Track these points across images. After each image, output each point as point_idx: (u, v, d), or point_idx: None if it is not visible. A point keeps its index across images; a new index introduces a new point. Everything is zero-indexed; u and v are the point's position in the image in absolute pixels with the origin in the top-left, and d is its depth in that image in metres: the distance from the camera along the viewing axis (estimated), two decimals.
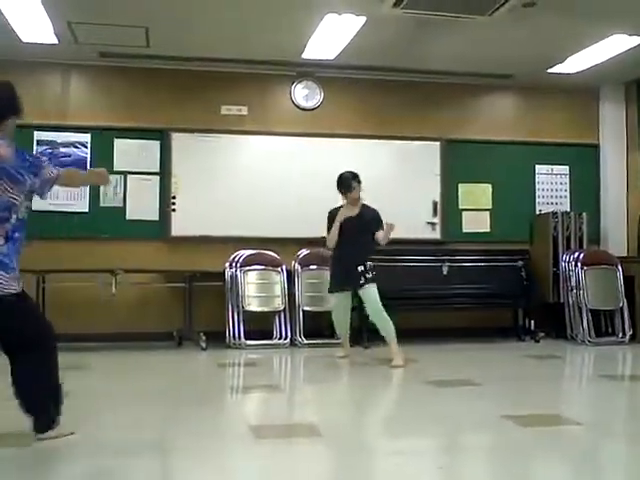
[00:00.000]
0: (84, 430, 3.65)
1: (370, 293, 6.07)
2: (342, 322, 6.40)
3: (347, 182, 6.26)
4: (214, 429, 3.96)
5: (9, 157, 3.28)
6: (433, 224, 8.23)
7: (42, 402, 3.49)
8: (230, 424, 4.19)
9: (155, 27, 6.62)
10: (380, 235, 6.14)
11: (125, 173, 7.67)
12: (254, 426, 3.93)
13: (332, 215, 6.29)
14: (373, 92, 8.24)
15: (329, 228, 6.27)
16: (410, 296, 7.20)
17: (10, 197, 3.31)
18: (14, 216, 3.34)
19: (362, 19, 6.35)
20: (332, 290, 6.36)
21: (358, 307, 6.50)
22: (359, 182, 6.27)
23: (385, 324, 6.04)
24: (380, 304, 6.04)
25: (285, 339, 7.24)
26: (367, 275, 6.07)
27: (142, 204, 7.67)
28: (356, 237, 6.15)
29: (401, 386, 5.57)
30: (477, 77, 8.27)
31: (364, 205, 6.32)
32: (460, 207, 8.36)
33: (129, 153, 7.69)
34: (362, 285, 6.07)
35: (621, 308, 7.65)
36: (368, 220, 6.21)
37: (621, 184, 8.63)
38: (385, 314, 6.04)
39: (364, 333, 7.04)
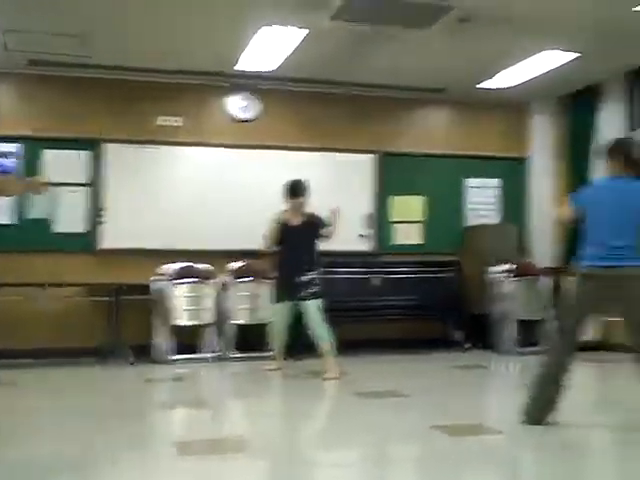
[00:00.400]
0: (4, 448, 3.55)
1: (313, 306, 6.05)
2: (280, 334, 6.35)
3: (296, 188, 6.25)
4: (139, 445, 3.89)
5: None
6: (366, 236, 8.27)
7: None
8: (155, 440, 4.12)
9: (91, 36, 6.49)
10: (325, 230, 6.16)
11: (54, 184, 7.48)
12: (179, 442, 3.87)
13: (276, 222, 6.29)
14: (311, 104, 8.26)
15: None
16: (342, 308, 7.19)
17: None
18: None
19: (303, 32, 6.35)
20: (275, 301, 6.35)
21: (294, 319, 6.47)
22: (307, 190, 6.29)
23: (324, 336, 6.03)
24: (321, 317, 6.04)
25: (214, 353, 7.15)
26: (311, 288, 6.06)
27: (70, 216, 7.48)
28: (298, 246, 6.13)
29: (332, 398, 5.57)
30: (412, 91, 8.37)
31: (308, 213, 6.30)
32: (392, 219, 8.43)
33: (58, 164, 7.52)
34: (304, 298, 6.06)
35: (547, 318, 7.80)
36: (311, 226, 6.20)
37: (549, 197, 8.82)
38: (325, 327, 6.04)
39: (297, 345, 7.01)
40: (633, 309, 4.18)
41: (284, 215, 6.26)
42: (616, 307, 4.40)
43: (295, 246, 6.14)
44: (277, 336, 6.41)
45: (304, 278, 6.04)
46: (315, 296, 6.06)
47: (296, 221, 6.24)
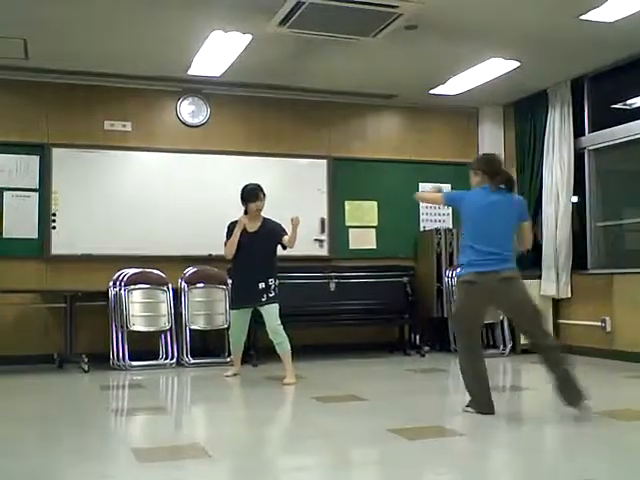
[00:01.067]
0: None
1: (271, 311, 6.03)
2: (238, 339, 6.30)
3: (253, 192, 6.18)
4: (95, 453, 3.82)
5: None
6: (320, 241, 8.29)
7: None
8: (112, 447, 4.05)
9: (34, 39, 6.40)
10: (286, 238, 6.11)
11: (2, 189, 7.36)
12: (137, 449, 3.81)
13: (232, 227, 6.18)
14: (260, 109, 8.26)
15: (228, 239, 6.18)
16: (298, 312, 7.19)
17: None
18: None
19: (248, 37, 6.36)
20: (233, 307, 6.29)
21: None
22: (264, 195, 6.21)
23: (283, 342, 6.01)
24: (280, 322, 6.02)
25: (172, 359, 7.10)
26: (269, 293, 6.03)
27: (20, 222, 7.36)
28: (256, 252, 6.07)
29: (290, 403, 5.55)
30: (363, 97, 8.44)
31: (265, 219, 6.25)
32: (347, 224, 8.47)
33: (6, 168, 7.38)
34: (263, 303, 6.04)
35: (501, 321, 7.93)
36: (269, 232, 6.15)
37: None
38: (284, 332, 6.02)
39: (253, 351, 7.01)
40: (518, 310, 4.60)
41: (241, 220, 6.17)
42: (502, 309, 4.99)
43: (253, 252, 6.07)
44: (235, 342, 6.36)
45: (262, 284, 6.00)
46: (273, 301, 6.04)
47: (254, 227, 6.18)
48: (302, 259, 7.92)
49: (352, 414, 4.83)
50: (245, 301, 6.13)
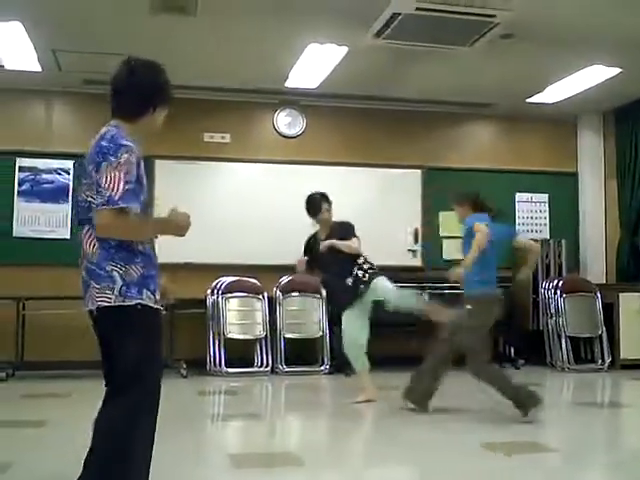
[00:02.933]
0: (59, 460, 3.62)
1: (380, 283, 5.60)
2: (354, 340, 5.63)
3: (315, 203, 5.86)
4: (194, 457, 3.94)
5: None
6: (414, 251, 8.27)
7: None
8: (210, 452, 4.17)
9: (139, 55, 6.64)
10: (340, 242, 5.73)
11: None
12: (234, 454, 3.92)
13: (308, 243, 5.95)
14: (355, 120, 8.32)
15: (305, 254, 5.91)
16: (390, 323, 7.16)
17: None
18: None
19: (344, 49, 6.43)
20: (340, 309, 5.78)
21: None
22: (329, 203, 5.88)
23: (411, 300, 5.67)
24: (396, 288, 5.65)
25: (266, 367, 7.21)
26: (364, 278, 5.61)
27: None
28: (332, 260, 5.72)
29: (379, 414, 5.50)
30: (458, 106, 8.38)
31: (334, 223, 5.88)
32: (441, 234, 8.42)
33: None
34: (363, 291, 5.59)
35: (600, 335, 7.72)
36: (336, 236, 5.76)
37: (599, 212, 8.73)
38: (406, 294, 5.71)
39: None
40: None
41: (317, 232, 5.95)
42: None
43: (328, 262, 5.77)
44: (350, 344, 5.65)
45: (349, 281, 5.66)
46: (376, 276, 5.67)
47: (323, 234, 5.87)
48: (395, 269, 7.90)
49: (444, 427, 4.81)
50: (348, 301, 5.68)
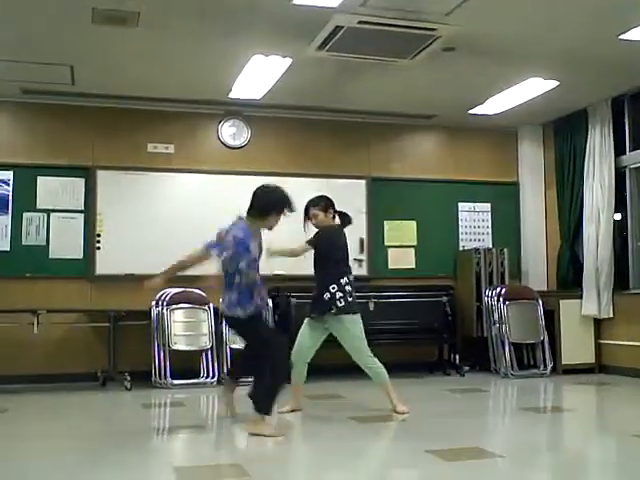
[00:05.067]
0: None
1: (342, 326, 5.44)
2: (298, 352, 5.49)
3: (304, 210, 5.70)
4: (138, 472, 3.89)
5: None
6: (360, 261, 8.33)
7: None
8: (155, 466, 4.12)
9: (81, 65, 6.60)
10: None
11: (48, 211, 7.55)
12: (179, 468, 3.88)
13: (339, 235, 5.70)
14: (300, 131, 8.36)
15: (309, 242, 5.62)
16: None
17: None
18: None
19: (288, 61, 6.46)
20: (308, 314, 5.62)
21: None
22: (320, 206, 5.70)
23: (374, 369, 5.55)
24: (361, 343, 5.50)
25: (212, 378, 7.18)
26: (339, 302, 5.38)
27: (66, 242, 7.55)
28: (320, 262, 5.57)
29: (327, 423, 5.51)
30: (401, 117, 8.49)
31: (322, 227, 5.69)
32: (386, 244, 8.50)
33: (52, 191, 7.58)
34: (330, 314, 5.41)
35: (542, 341, 7.88)
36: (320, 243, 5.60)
37: (540, 221, 8.93)
38: (371, 357, 5.52)
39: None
40: None
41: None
42: None
43: (315, 265, 5.62)
44: (294, 354, 5.45)
45: (326, 295, 5.42)
46: (351, 309, 5.50)
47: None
48: None
49: (389, 435, 4.85)
50: (315, 312, 5.53)
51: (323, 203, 5.74)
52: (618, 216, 7.97)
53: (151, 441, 4.86)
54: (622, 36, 5.94)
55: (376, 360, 5.54)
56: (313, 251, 5.61)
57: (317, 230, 5.66)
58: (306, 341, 5.59)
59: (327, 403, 6.16)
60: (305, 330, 5.62)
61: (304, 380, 5.65)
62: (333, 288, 5.42)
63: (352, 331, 5.48)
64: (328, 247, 5.59)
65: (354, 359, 5.55)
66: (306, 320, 5.64)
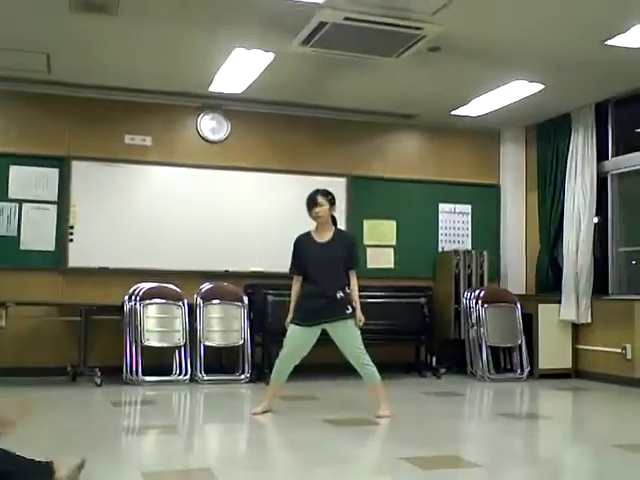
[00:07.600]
0: None
1: (346, 330, 5.39)
2: (286, 361, 5.43)
3: (310, 199, 5.45)
4: (103, 476, 3.77)
5: None
6: None
7: None
8: (122, 470, 4.00)
9: (57, 54, 6.43)
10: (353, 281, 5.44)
11: (20, 201, 7.38)
12: (147, 472, 3.76)
13: (297, 241, 5.52)
14: (281, 127, 8.25)
15: (294, 256, 5.49)
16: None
17: None
18: None
19: (271, 55, 6.35)
20: (293, 321, 5.40)
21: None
22: (328, 198, 5.47)
23: (369, 370, 5.54)
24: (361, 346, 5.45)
25: (185, 375, 7.05)
26: (344, 307, 5.31)
27: (38, 234, 7.38)
28: (327, 266, 5.35)
29: (302, 426, 5.42)
30: (384, 116, 8.40)
31: (338, 230, 5.58)
32: (365, 243, 8.41)
33: (25, 181, 7.41)
34: (334, 319, 5.31)
35: (519, 345, 7.84)
36: (340, 249, 5.42)
37: (520, 224, 8.89)
38: (368, 358, 5.48)
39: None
40: None
41: (309, 232, 5.56)
42: None
43: (321, 268, 5.38)
44: (282, 368, 5.48)
45: (339, 294, 5.34)
46: (352, 315, 5.42)
47: (324, 238, 5.48)
48: None
49: (364, 439, 4.76)
50: (317, 315, 5.34)
51: (331, 197, 5.57)
52: (598, 221, 7.94)
53: (119, 442, 4.72)
54: (608, 42, 5.90)
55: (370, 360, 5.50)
56: (316, 251, 5.43)
57: (336, 229, 5.56)
58: (299, 351, 5.44)
59: (302, 405, 6.05)
60: (298, 341, 5.40)
61: (285, 380, 5.56)
62: (344, 290, 5.36)
63: (357, 332, 5.44)
64: (351, 249, 5.52)
65: (351, 360, 5.50)
66: (298, 328, 5.38)
